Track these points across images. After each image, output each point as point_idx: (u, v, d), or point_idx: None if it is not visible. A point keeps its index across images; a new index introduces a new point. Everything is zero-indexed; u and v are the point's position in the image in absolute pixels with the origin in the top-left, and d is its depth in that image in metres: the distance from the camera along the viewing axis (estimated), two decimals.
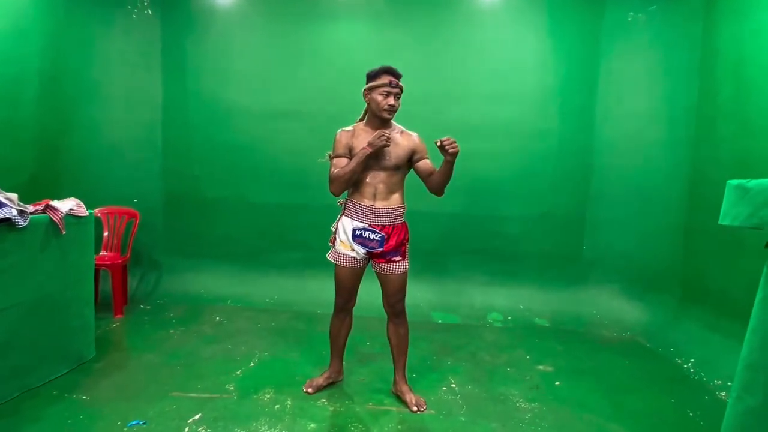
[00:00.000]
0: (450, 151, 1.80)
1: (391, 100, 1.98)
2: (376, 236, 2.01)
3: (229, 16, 3.56)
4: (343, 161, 2.00)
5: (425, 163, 2.05)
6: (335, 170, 1.97)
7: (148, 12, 3.59)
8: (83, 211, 2.48)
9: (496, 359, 2.77)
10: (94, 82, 3.58)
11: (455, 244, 3.54)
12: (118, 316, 3.22)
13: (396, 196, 2.05)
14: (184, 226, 3.69)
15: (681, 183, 3.15)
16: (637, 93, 3.32)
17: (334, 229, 2.12)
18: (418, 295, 3.34)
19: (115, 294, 3.21)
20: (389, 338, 2.21)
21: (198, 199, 3.65)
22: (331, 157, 2.05)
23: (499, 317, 3.39)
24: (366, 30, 3.49)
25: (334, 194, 2.00)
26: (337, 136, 2.06)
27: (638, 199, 3.35)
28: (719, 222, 1.35)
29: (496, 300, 3.47)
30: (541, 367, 2.70)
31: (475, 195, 3.49)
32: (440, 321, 3.37)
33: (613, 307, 3.37)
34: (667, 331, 3.06)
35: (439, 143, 1.80)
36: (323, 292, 3.21)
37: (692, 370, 2.69)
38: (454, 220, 3.52)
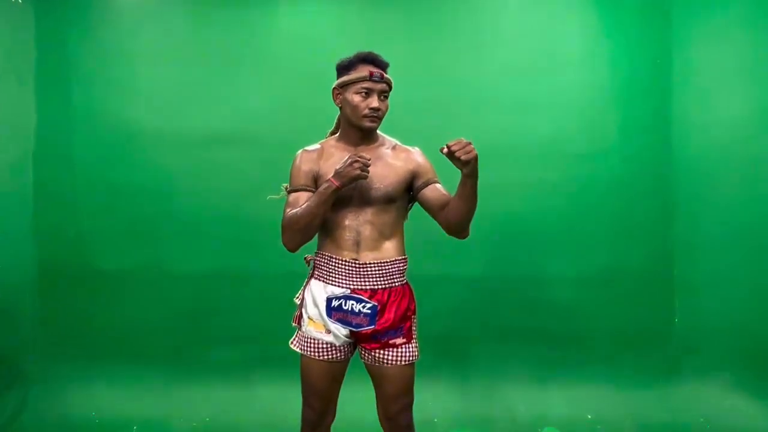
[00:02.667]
0: (463, 158, 1.70)
1: (373, 102, 1.92)
2: (363, 308, 1.93)
3: (137, 1, 3.45)
4: (304, 198, 1.92)
5: (434, 190, 1.97)
6: (290, 212, 1.91)
7: (17, 0, 3.43)
8: None
9: None
10: None
11: (481, 323, 3.36)
12: None
13: (391, 244, 1.99)
14: (68, 314, 3.40)
15: None
16: (729, 92, 3.21)
17: (298, 301, 2.06)
18: (429, 405, 3.10)
19: None
20: None
21: (89, 272, 3.39)
22: (291, 191, 1.98)
23: None
24: (339, 15, 3.40)
25: (288, 248, 1.94)
26: (296, 161, 2.01)
27: (749, 243, 3.17)
28: None
29: (550, 406, 3.24)
30: None
31: (506, 248, 3.34)
32: None
33: (725, 408, 3.14)
34: None
35: (446, 150, 1.73)
36: (284, 404, 2.96)
37: None
38: (478, 287, 3.35)
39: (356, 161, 1.79)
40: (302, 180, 1.95)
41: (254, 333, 3.30)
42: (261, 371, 3.28)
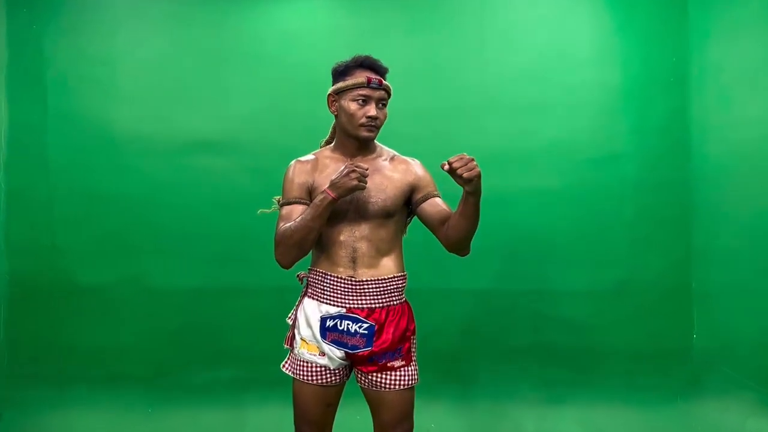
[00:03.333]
0: (465, 176, 1.70)
1: (371, 110, 1.91)
2: (360, 328, 1.93)
3: None
4: (298, 211, 1.92)
5: (434, 204, 1.98)
6: (283, 226, 1.91)
7: None
8: None
9: None
10: None
11: (487, 341, 3.33)
12: None
13: (389, 260, 1.98)
14: (42, 332, 3.36)
15: None
16: (752, 90, 3.08)
17: (291, 321, 2.05)
18: (430, 430, 3.09)
19: None
20: None
21: (65, 287, 3.35)
22: (283, 204, 1.98)
23: None
24: (333, 12, 3.38)
25: (281, 264, 1.93)
26: (289, 172, 2.01)
27: None
28: None
29: (562, 429, 3.18)
30: None
31: (513, 260, 3.32)
32: None
33: (748, 430, 3.01)
34: None
35: (447, 167, 1.72)
36: (276, 430, 2.95)
37: None
38: (484, 302, 3.33)
39: (353, 171, 1.78)
40: (296, 192, 1.93)
41: (244, 353, 3.26)
42: (251, 394, 3.23)
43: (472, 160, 1.70)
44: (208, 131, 3.31)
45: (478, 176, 1.70)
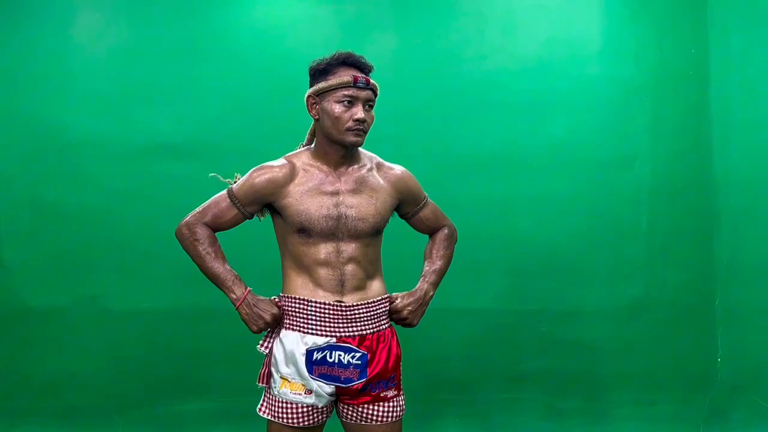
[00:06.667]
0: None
1: (358, 112, 1.86)
2: (353, 358, 1.90)
3: None
4: (229, 214, 1.95)
5: (420, 221, 2.10)
6: (197, 223, 1.97)
7: None
8: None
9: None
10: None
11: (490, 367, 3.33)
12: None
13: (376, 281, 1.98)
14: None
15: None
16: None
17: (263, 350, 1.98)
18: None
19: None
20: None
21: (14, 311, 3.30)
22: (229, 192, 1.96)
23: None
24: (311, 1, 3.39)
25: (177, 237, 2.02)
26: (255, 173, 1.94)
27: None
28: None
29: None
30: None
31: (517, 276, 3.31)
32: None
33: None
34: None
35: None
36: None
37: None
38: (485, 323, 3.32)
39: (261, 318, 1.86)
40: (246, 199, 1.90)
41: (217, 383, 3.23)
42: (225, 429, 3.19)
43: (411, 305, 1.93)
44: (173, 133, 3.27)
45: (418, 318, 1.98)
